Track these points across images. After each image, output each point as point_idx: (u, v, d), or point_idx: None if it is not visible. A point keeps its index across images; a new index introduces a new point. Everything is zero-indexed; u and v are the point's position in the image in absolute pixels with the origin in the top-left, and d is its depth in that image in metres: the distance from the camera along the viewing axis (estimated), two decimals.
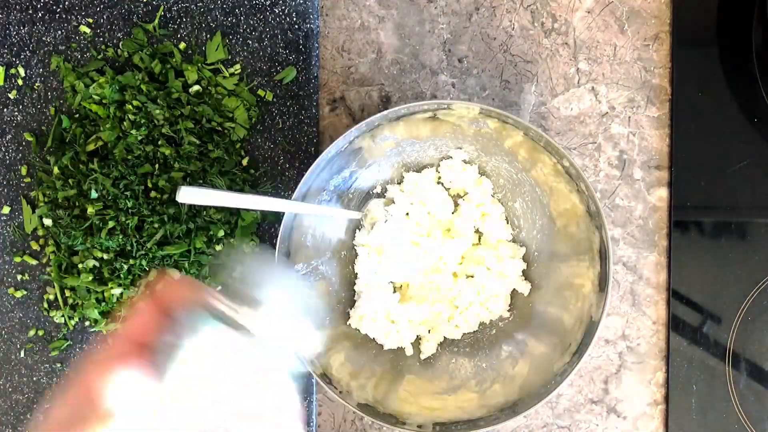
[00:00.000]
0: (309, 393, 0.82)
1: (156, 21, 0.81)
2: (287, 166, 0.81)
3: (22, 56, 0.81)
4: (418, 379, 0.79)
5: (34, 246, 0.82)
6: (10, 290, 0.82)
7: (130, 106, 0.78)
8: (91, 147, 0.78)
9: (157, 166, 0.77)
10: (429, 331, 0.81)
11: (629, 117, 0.82)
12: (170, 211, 0.76)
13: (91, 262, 0.76)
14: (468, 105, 0.72)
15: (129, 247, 0.76)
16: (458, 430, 0.73)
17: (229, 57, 0.81)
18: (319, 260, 0.78)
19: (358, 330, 0.79)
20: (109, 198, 0.76)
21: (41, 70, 0.81)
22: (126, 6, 0.81)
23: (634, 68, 0.82)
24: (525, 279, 0.80)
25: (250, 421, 0.47)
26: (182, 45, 0.81)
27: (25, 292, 0.82)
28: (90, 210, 0.75)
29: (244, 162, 0.81)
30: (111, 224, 0.75)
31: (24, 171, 0.82)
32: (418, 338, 0.81)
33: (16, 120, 0.81)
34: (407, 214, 0.80)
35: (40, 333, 0.82)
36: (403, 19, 0.83)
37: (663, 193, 0.83)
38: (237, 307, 0.49)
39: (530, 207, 0.79)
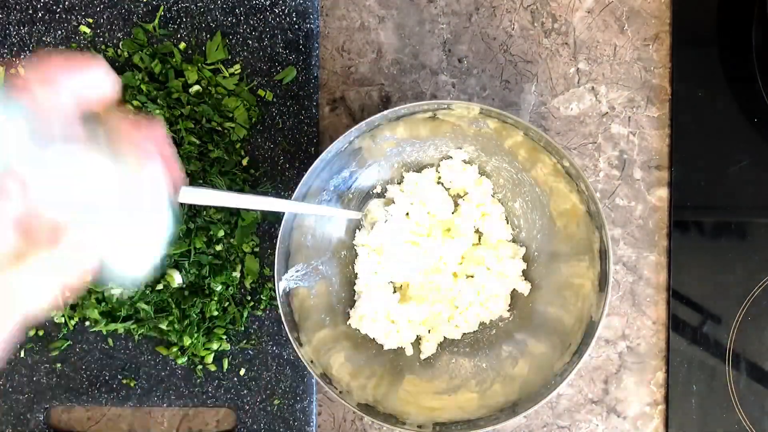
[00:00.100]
0: (309, 393, 0.82)
1: (156, 21, 0.81)
2: (287, 166, 0.81)
3: (22, 56, 0.81)
4: (418, 379, 0.79)
5: None
6: None
7: (130, 106, 0.78)
8: None
9: None
10: (429, 331, 0.81)
11: (629, 117, 0.82)
12: None
13: None
14: (468, 105, 0.72)
15: None
16: (458, 430, 0.73)
17: (229, 57, 0.81)
18: (319, 260, 0.78)
19: (358, 330, 0.79)
20: None
21: None
22: (126, 6, 0.81)
23: (634, 68, 0.82)
24: (525, 279, 0.80)
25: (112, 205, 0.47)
26: (182, 45, 0.81)
27: None
28: None
29: (244, 162, 0.81)
30: None
31: None
32: (418, 338, 0.81)
33: None
34: (407, 214, 0.80)
35: (40, 333, 0.82)
36: (403, 19, 0.83)
37: (663, 193, 0.83)
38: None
39: (530, 207, 0.79)
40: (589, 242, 0.74)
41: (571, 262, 0.76)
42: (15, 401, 0.82)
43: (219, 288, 0.79)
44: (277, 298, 0.72)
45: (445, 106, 0.73)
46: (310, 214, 0.76)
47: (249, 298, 0.82)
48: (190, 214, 0.77)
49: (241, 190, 0.80)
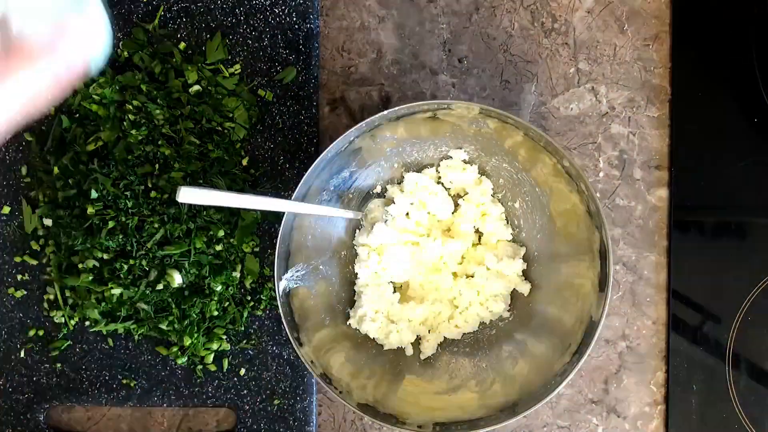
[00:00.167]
0: (309, 393, 0.82)
1: (156, 21, 0.81)
2: (287, 166, 0.81)
3: None
4: (418, 379, 0.79)
5: (34, 246, 0.82)
6: (10, 290, 0.82)
7: (130, 106, 0.78)
8: (91, 147, 0.78)
9: (157, 166, 0.77)
10: (429, 331, 0.81)
11: (629, 117, 0.82)
12: (170, 211, 0.76)
13: (91, 262, 0.76)
14: (468, 105, 0.72)
15: (129, 247, 0.76)
16: (458, 430, 0.73)
17: (229, 57, 0.81)
18: (319, 260, 0.78)
19: (358, 330, 0.79)
20: (109, 198, 0.76)
21: None
22: (126, 6, 0.81)
23: (634, 68, 0.82)
24: (525, 279, 0.80)
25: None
26: (182, 45, 0.81)
27: (25, 292, 0.82)
28: (90, 210, 0.75)
29: (244, 162, 0.81)
30: (111, 224, 0.75)
31: (24, 171, 0.82)
32: (418, 338, 0.81)
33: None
34: (407, 214, 0.80)
35: (40, 333, 0.82)
36: (403, 19, 0.83)
37: (663, 193, 0.83)
38: None
39: (530, 207, 0.79)
40: (589, 242, 0.74)
41: (571, 262, 0.76)
42: (15, 401, 0.82)
43: (219, 288, 0.79)
44: (277, 298, 0.72)
45: (445, 106, 0.73)
46: (310, 214, 0.76)
47: (249, 298, 0.82)
48: (190, 214, 0.77)
49: (241, 190, 0.80)
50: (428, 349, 0.80)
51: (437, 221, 0.81)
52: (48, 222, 0.80)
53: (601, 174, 0.83)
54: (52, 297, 0.81)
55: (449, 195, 0.80)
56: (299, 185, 0.71)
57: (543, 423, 0.83)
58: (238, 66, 0.81)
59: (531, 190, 0.78)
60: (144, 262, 0.76)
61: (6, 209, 0.82)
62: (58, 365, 0.82)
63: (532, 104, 0.83)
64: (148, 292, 0.76)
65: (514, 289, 0.80)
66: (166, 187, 0.76)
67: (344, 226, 0.80)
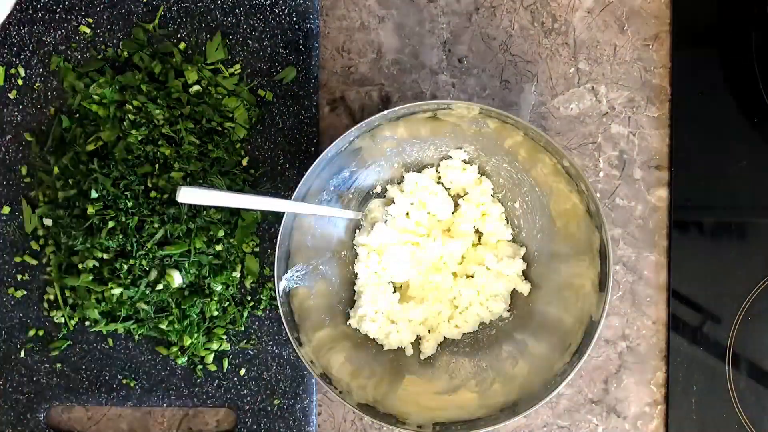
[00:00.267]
0: (309, 393, 0.82)
1: (156, 21, 0.81)
2: (287, 166, 0.81)
3: (22, 56, 0.81)
4: (418, 379, 0.79)
5: (34, 246, 0.82)
6: (10, 290, 0.82)
7: (130, 106, 0.78)
8: (91, 147, 0.78)
9: (157, 166, 0.77)
10: (429, 331, 0.81)
11: (629, 117, 0.82)
12: (170, 211, 0.76)
13: (91, 262, 0.76)
14: (468, 105, 0.72)
15: (129, 247, 0.76)
16: (458, 430, 0.73)
17: (229, 57, 0.81)
18: (319, 260, 0.78)
19: (358, 330, 0.79)
20: (109, 198, 0.76)
21: (41, 70, 0.81)
22: (126, 6, 0.81)
23: (634, 68, 0.82)
24: (525, 279, 0.80)
25: None
26: (182, 45, 0.81)
27: (25, 292, 0.82)
28: (90, 210, 0.75)
29: (244, 162, 0.81)
30: (111, 224, 0.75)
31: (24, 171, 0.82)
32: (418, 338, 0.81)
33: (16, 120, 0.81)
34: (407, 214, 0.80)
35: (40, 333, 0.82)
36: (403, 19, 0.83)
37: (663, 193, 0.83)
38: None
39: (530, 207, 0.79)
40: (589, 242, 0.74)
41: (571, 262, 0.76)
42: (15, 401, 0.82)
43: (219, 288, 0.79)
44: (277, 298, 0.72)
45: (445, 106, 0.73)
46: (310, 214, 0.76)
47: (249, 298, 0.82)
48: (190, 214, 0.77)
49: (241, 190, 0.80)
50: (428, 349, 0.80)
51: (437, 221, 0.81)
52: (48, 222, 0.80)
53: (601, 174, 0.83)
54: (52, 297, 0.81)
55: (449, 195, 0.80)
56: (299, 185, 0.71)
57: (543, 423, 0.83)
58: (238, 66, 0.81)
59: (531, 190, 0.78)
60: (144, 262, 0.76)
61: (6, 209, 0.82)
62: (58, 365, 0.82)
63: (532, 104, 0.83)
64: (148, 292, 0.76)
65: (514, 289, 0.80)
66: (166, 187, 0.76)
67: (344, 226, 0.80)
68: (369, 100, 0.83)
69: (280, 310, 0.72)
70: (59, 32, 0.81)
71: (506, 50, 0.83)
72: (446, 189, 0.80)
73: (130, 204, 0.75)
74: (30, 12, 0.81)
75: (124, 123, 0.77)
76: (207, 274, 0.78)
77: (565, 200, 0.76)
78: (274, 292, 0.76)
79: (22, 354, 0.82)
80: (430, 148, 0.79)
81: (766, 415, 0.81)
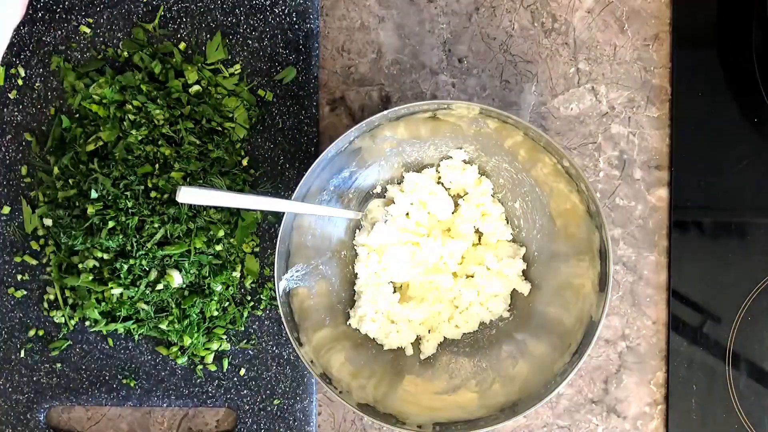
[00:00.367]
0: (309, 393, 0.82)
1: (156, 21, 0.81)
2: (287, 166, 0.81)
3: (22, 56, 0.81)
4: (418, 379, 0.79)
5: (34, 246, 0.82)
6: (10, 290, 0.82)
7: (130, 106, 0.78)
8: (91, 147, 0.78)
9: (157, 166, 0.77)
10: (429, 331, 0.81)
11: (629, 117, 0.82)
12: (170, 211, 0.76)
13: (91, 262, 0.76)
14: (468, 105, 0.72)
15: (129, 247, 0.76)
16: (458, 430, 0.73)
17: (229, 57, 0.81)
18: (319, 260, 0.78)
19: (358, 330, 0.79)
20: (109, 198, 0.76)
21: (41, 70, 0.81)
22: (126, 6, 0.81)
23: (634, 68, 0.82)
24: (525, 279, 0.80)
25: None
26: (182, 45, 0.81)
27: (25, 292, 0.82)
28: (90, 210, 0.75)
29: (244, 162, 0.81)
30: (111, 224, 0.75)
31: (24, 171, 0.82)
32: (418, 338, 0.81)
33: (16, 120, 0.81)
34: (407, 214, 0.80)
35: (40, 333, 0.82)
36: (403, 19, 0.83)
37: (663, 193, 0.83)
38: None
39: (530, 207, 0.79)
40: (589, 242, 0.74)
41: (571, 262, 0.76)
42: (15, 401, 0.82)
43: (219, 288, 0.79)
44: (277, 298, 0.72)
45: (445, 106, 0.73)
46: (310, 214, 0.76)
47: (249, 298, 0.82)
48: (190, 214, 0.77)
49: (241, 190, 0.80)
50: (428, 349, 0.80)
51: (437, 221, 0.81)
52: (48, 222, 0.80)
53: (601, 174, 0.83)
54: (52, 297, 0.81)
55: (449, 195, 0.80)
56: (299, 185, 0.71)
57: (543, 423, 0.83)
58: (238, 66, 0.81)
59: (531, 190, 0.78)
60: (144, 262, 0.76)
61: (6, 209, 0.82)
62: (58, 365, 0.82)
63: (532, 104, 0.83)
64: (148, 292, 0.76)
65: (514, 289, 0.80)
66: (166, 187, 0.76)
67: (344, 226, 0.80)
68: (369, 100, 0.83)
69: (280, 310, 0.72)
70: (59, 32, 0.81)
71: (506, 50, 0.83)
72: (446, 189, 0.80)
73: (130, 204, 0.75)
74: (30, 12, 0.81)
75: (124, 123, 0.77)
76: (207, 274, 0.78)
77: (565, 200, 0.76)
78: (274, 292, 0.76)
79: (22, 354, 0.82)
80: (430, 148, 0.79)
81: (766, 415, 0.81)
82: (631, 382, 0.83)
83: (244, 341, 0.82)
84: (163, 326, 0.78)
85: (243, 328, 0.82)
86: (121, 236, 0.75)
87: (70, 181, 0.78)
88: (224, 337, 0.81)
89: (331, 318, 0.79)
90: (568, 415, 0.83)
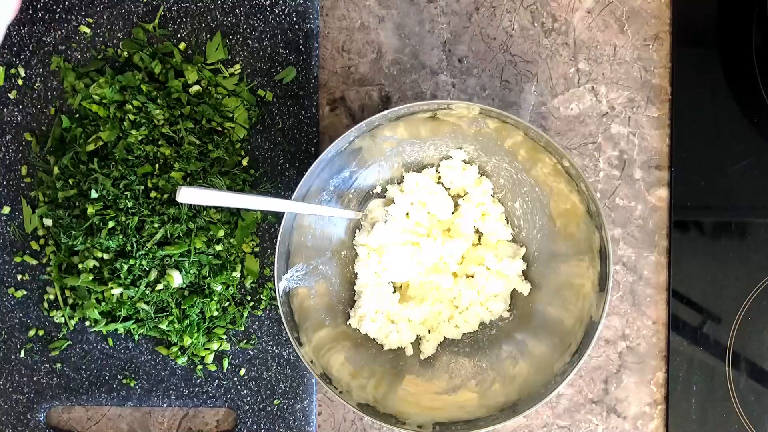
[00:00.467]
0: (309, 393, 0.82)
1: (156, 21, 0.81)
2: (287, 166, 0.81)
3: (22, 56, 0.81)
4: (418, 379, 0.79)
5: (34, 246, 0.82)
6: (10, 290, 0.82)
7: (130, 106, 0.78)
8: (91, 147, 0.78)
9: (157, 166, 0.77)
10: (429, 331, 0.81)
11: (629, 117, 0.82)
12: (170, 211, 0.76)
13: (91, 262, 0.76)
14: (468, 105, 0.72)
15: (129, 247, 0.76)
16: (458, 430, 0.73)
17: (229, 57, 0.81)
18: (319, 260, 0.78)
19: (358, 330, 0.79)
20: (109, 198, 0.76)
21: (41, 70, 0.81)
22: (126, 6, 0.81)
23: (634, 68, 0.82)
24: (525, 279, 0.80)
25: None
26: (182, 45, 0.81)
27: (25, 292, 0.82)
28: (90, 210, 0.75)
29: (244, 162, 0.81)
30: (111, 224, 0.75)
31: (24, 171, 0.82)
32: (418, 338, 0.81)
33: (16, 120, 0.81)
34: (407, 214, 0.80)
35: (40, 333, 0.82)
36: (403, 19, 0.83)
37: (663, 193, 0.83)
38: None
39: (530, 207, 0.79)
40: (589, 242, 0.74)
41: (571, 262, 0.76)
42: (15, 401, 0.82)
43: (219, 288, 0.79)
44: (277, 298, 0.72)
45: (445, 106, 0.73)
46: (310, 214, 0.76)
47: (249, 298, 0.82)
48: (190, 214, 0.77)
49: (241, 190, 0.80)
50: (428, 349, 0.80)
51: (437, 221, 0.81)
52: (48, 222, 0.80)
53: (601, 174, 0.83)
54: (52, 297, 0.81)
55: (449, 195, 0.80)
56: (299, 185, 0.71)
57: (543, 423, 0.83)
58: (238, 66, 0.81)
59: (531, 190, 0.78)
60: (144, 262, 0.76)
61: (6, 209, 0.82)
62: (58, 365, 0.82)
63: (532, 104, 0.83)
64: (148, 292, 0.76)
65: (514, 289, 0.80)
66: (166, 187, 0.76)
67: (344, 226, 0.80)
68: (369, 100, 0.83)
69: (280, 310, 0.72)
70: (59, 32, 0.81)
71: (506, 50, 0.83)
72: (446, 189, 0.80)
73: (130, 204, 0.75)
74: (30, 12, 0.81)
75: (124, 123, 0.77)
76: (207, 274, 0.78)
77: (565, 200, 0.76)
78: (274, 292, 0.76)
79: (22, 354, 0.82)
80: (430, 148, 0.79)
81: (766, 415, 0.81)
82: (631, 382, 0.83)
83: (244, 341, 0.82)
84: (163, 326, 0.78)
85: (243, 328, 0.82)
86: (121, 236, 0.75)
87: (70, 181, 0.78)
88: (224, 337, 0.81)
89: (331, 318, 0.79)
90: (568, 415, 0.83)
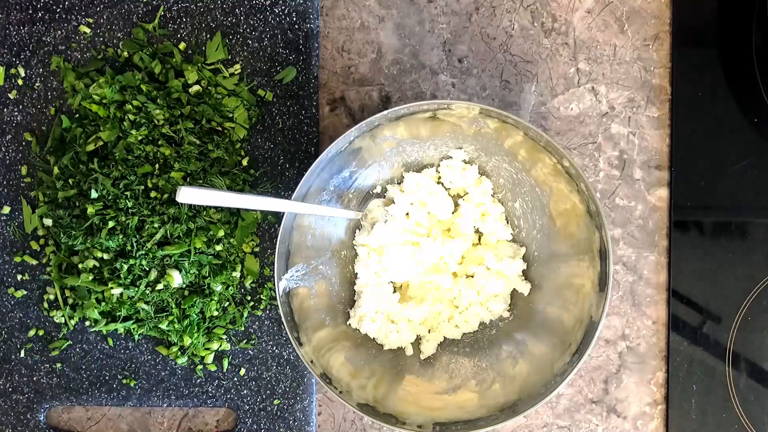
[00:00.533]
0: (309, 393, 0.82)
1: (156, 21, 0.81)
2: (287, 166, 0.81)
3: (22, 56, 0.81)
4: (418, 379, 0.79)
5: (34, 246, 0.82)
6: (10, 290, 0.82)
7: (130, 106, 0.78)
8: (91, 147, 0.78)
9: (157, 166, 0.77)
10: (429, 331, 0.81)
11: (629, 117, 0.82)
12: (170, 211, 0.76)
13: (91, 262, 0.76)
14: (468, 105, 0.72)
15: (129, 247, 0.76)
16: (458, 430, 0.73)
17: (229, 57, 0.81)
18: (319, 260, 0.78)
19: (358, 330, 0.79)
20: (109, 198, 0.76)
21: (41, 70, 0.81)
22: (126, 6, 0.81)
23: (634, 68, 0.82)
24: (525, 279, 0.80)
25: None
26: (182, 45, 0.81)
27: (25, 292, 0.82)
28: (90, 210, 0.75)
29: (244, 162, 0.81)
30: (111, 224, 0.75)
31: (24, 171, 0.82)
32: (418, 338, 0.81)
33: (16, 120, 0.81)
34: (407, 214, 0.80)
35: (40, 333, 0.82)
36: (403, 19, 0.83)
37: (663, 193, 0.83)
38: None
39: (530, 207, 0.79)
40: (589, 242, 0.74)
41: (571, 262, 0.76)
42: (15, 401, 0.82)
43: (219, 288, 0.79)
44: (277, 298, 0.72)
45: (445, 106, 0.73)
46: (310, 214, 0.76)
47: (249, 298, 0.82)
48: (190, 214, 0.77)
49: (241, 190, 0.80)
50: (428, 349, 0.80)
51: (437, 221, 0.81)
52: (48, 222, 0.80)
53: (601, 174, 0.83)
54: (52, 297, 0.81)
55: (449, 195, 0.80)
56: (299, 185, 0.71)
57: (543, 423, 0.83)
58: (238, 66, 0.81)
59: (531, 190, 0.78)
60: (144, 262, 0.76)
61: (6, 209, 0.82)
62: (58, 365, 0.82)
63: (532, 104, 0.83)
64: (148, 292, 0.76)
65: (514, 289, 0.80)
66: (166, 187, 0.76)
67: (344, 226, 0.80)
68: (369, 100, 0.83)
69: (280, 310, 0.72)
70: (59, 32, 0.81)
71: (506, 50, 0.83)
72: (446, 189, 0.80)
73: (130, 204, 0.75)
74: (30, 12, 0.81)
75: (124, 123, 0.77)
76: (207, 274, 0.78)
77: (565, 200, 0.76)
78: (274, 292, 0.76)
79: (22, 354, 0.82)
80: (430, 148, 0.79)
81: (766, 415, 0.81)
82: (631, 382, 0.83)
83: (244, 341, 0.82)
84: (163, 326, 0.78)
85: (243, 328, 0.82)
86: (121, 236, 0.75)
87: (70, 181, 0.78)
88: (224, 337, 0.81)
89: (331, 318, 0.79)
90: (568, 415, 0.83)
